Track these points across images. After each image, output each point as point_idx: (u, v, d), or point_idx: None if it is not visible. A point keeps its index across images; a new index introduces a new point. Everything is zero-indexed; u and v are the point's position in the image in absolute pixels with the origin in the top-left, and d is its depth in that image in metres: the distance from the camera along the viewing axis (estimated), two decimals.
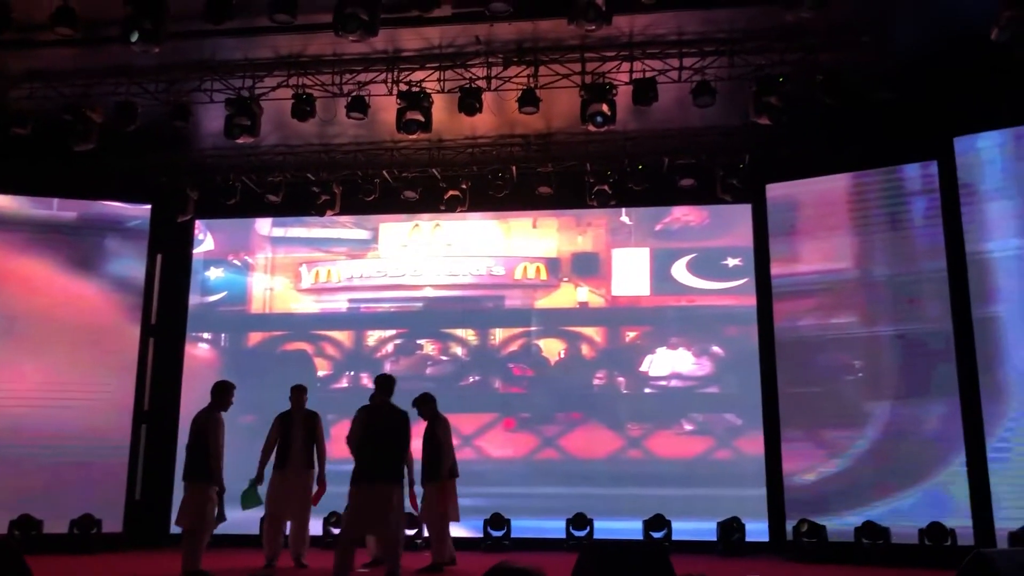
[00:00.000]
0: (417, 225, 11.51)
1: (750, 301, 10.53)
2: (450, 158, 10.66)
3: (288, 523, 8.17)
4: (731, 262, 10.80)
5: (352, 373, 11.20)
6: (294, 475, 8.06)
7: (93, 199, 10.93)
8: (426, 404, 8.02)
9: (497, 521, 10.08)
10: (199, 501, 7.14)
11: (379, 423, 6.86)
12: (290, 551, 8.14)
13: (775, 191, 10.32)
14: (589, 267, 11.15)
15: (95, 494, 10.04)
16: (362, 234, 11.65)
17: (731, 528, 9.68)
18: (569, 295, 11.12)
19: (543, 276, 11.21)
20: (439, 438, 7.85)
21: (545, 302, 11.16)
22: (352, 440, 6.84)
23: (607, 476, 10.38)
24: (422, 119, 8.79)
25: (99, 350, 10.53)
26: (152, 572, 7.61)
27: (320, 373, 11.27)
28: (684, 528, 9.85)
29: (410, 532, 9.83)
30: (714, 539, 9.71)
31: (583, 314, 11.09)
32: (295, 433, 8.16)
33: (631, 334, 10.95)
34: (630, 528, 9.83)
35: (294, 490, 8.04)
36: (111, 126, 9.00)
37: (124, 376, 10.61)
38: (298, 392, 8.40)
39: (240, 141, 9.12)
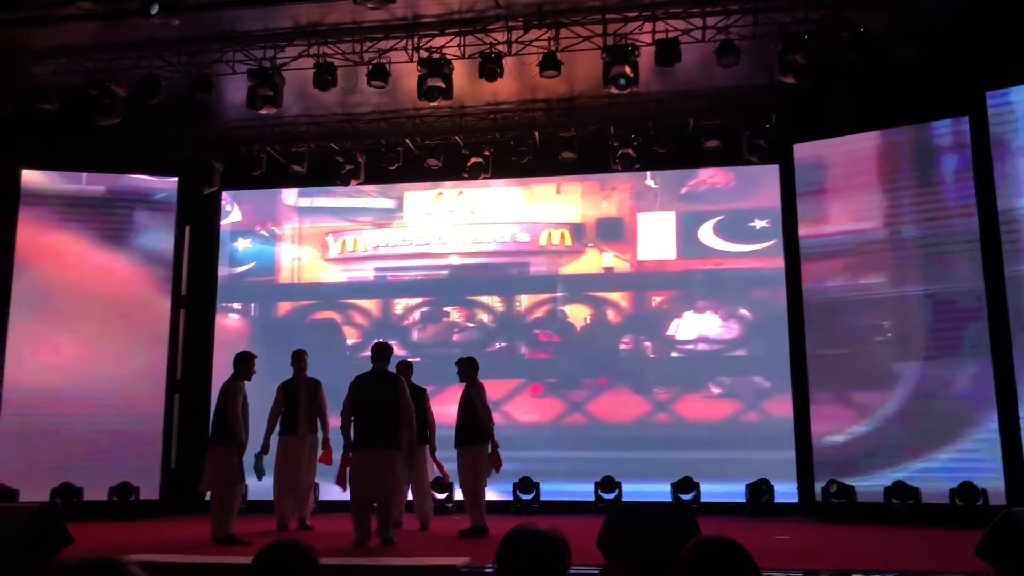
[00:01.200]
0: (441, 193, 11.52)
1: (777, 263, 10.45)
2: (472, 125, 10.63)
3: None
4: (758, 224, 10.70)
5: (380, 341, 11.26)
6: (301, 441, 8.25)
7: (120, 173, 11.04)
8: (464, 367, 8.06)
9: (526, 484, 10.17)
10: (218, 464, 7.32)
11: (372, 390, 7.03)
12: (295, 514, 8.33)
13: (802, 151, 10.19)
14: (614, 232, 11.11)
15: (132, 462, 10.25)
16: (387, 203, 11.68)
17: (760, 490, 9.70)
18: (594, 260, 11.10)
19: (568, 242, 11.19)
20: (475, 403, 7.90)
21: (570, 268, 11.15)
22: (345, 408, 7.03)
23: (635, 440, 10.41)
24: (443, 86, 8.76)
25: (131, 322, 10.69)
26: (187, 537, 7.79)
27: (349, 341, 11.39)
28: (713, 490, 9.88)
29: (440, 496, 9.99)
30: (743, 501, 9.73)
31: (609, 279, 11.07)
32: (300, 398, 8.32)
33: (657, 298, 10.93)
34: (659, 491, 9.87)
35: (301, 456, 8.24)
36: (135, 100, 9.06)
37: (156, 347, 10.78)
38: (299, 357, 8.52)
39: (263, 112, 9.17)
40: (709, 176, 11.00)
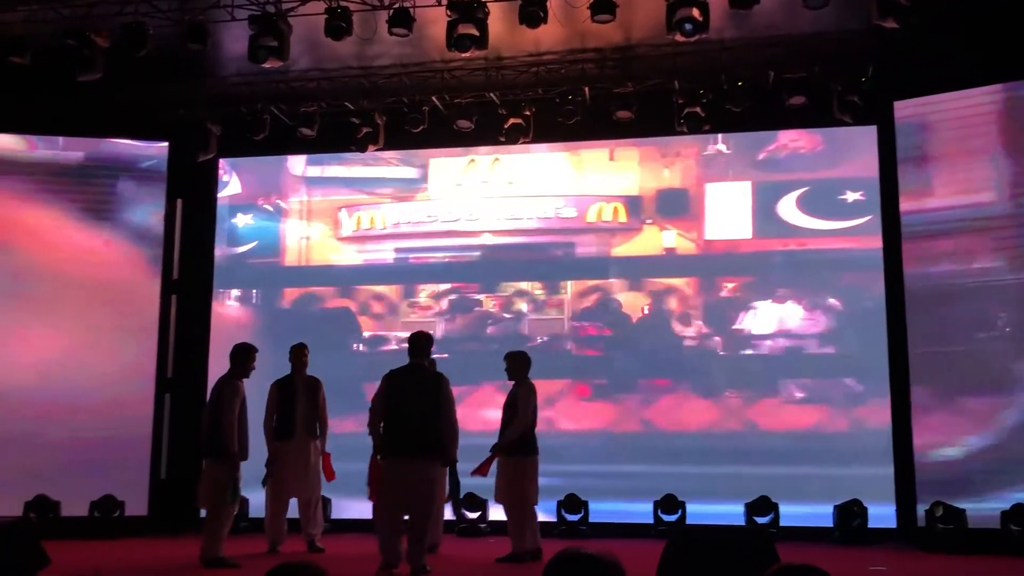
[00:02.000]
0: (473, 160, 11.51)
1: (874, 243, 10.30)
2: (511, 79, 10.59)
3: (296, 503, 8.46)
4: (851, 197, 10.54)
5: (401, 334, 11.33)
6: (299, 446, 8.32)
7: (101, 136, 11.18)
8: (514, 362, 8.07)
9: (573, 503, 10.17)
10: (214, 479, 7.41)
11: (408, 388, 6.96)
12: (301, 533, 8.41)
13: (905, 110, 10.03)
14: (677, 206, 11.02)
15: (116, 473, 10.40)
16: (409, 172, 11.70)
17: (851, 512, 9.61)
18: (653, 240, 11.02)
19: (622, 218, 11.12)
20: (519, 403, 7.90)
21: (624, 249, 11.09)
22: (374, 409, 6.97)
23: (701, 452, 10.35)
24: (477, 33, 8.71)
25: (115, 310, 10.83)
26: (176, 558, 7.91)
27: (365, 334, 11.45)
28: (794, 513, 9.80)
29: (472, 515, 10.03)
30: (830, 525, 9.66)
31: (670, 262, 11.01)
32: (298, 399, 8.40)
33: (728, 285, 10.84)
34: (729, 513, 9.82)
35: (300, 463, 8.30)
36: (119, 52, 9.13)
37: (144, 339, 10.92)
38: (299, 353, 8.59)
39: (267, 66, 9.17)
40: (792, 139, 10.87)
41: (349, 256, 11.69)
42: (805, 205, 10.68)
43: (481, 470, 7.93)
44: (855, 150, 10.56)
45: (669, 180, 11.11)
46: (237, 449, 7.46)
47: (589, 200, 11.23)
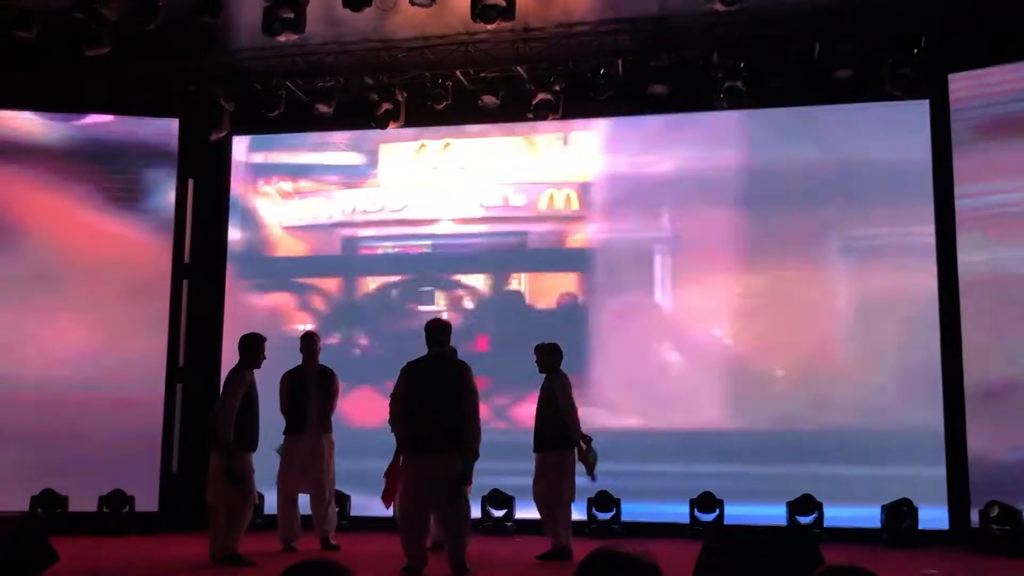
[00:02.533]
0: (424, 145, 11.57)
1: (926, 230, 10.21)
2: (539, 52, 10.55)
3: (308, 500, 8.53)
4: None
5: (345, 330, 11.44)
6: (311, 441, 8.37)
7: (108, 114, 11.24)
8: (545, 354, 8.09)
9: (605, 501, 10.17)
10: (212, 471, 7.49)
11: (428, 379, 6.95)
12: (315, 531, 8.47)
13: (961, 83, 9.93)
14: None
15: (126, 467, 10.50)
16: (357, 158, 11.76)
17: (900, 512, 9.56)
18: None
19: (574, 206, 11.19)
20: (557, 397, 7.93)
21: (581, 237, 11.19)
22: (395, 404, 6.97)
23: (738, 450, 10.31)
24: (503, 4, 8.71)
25: (124, 297, 10.90)
26: (187, 556, 7.99)
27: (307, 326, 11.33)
28: (840, 513, 9.77)
29: (498, 513, 10.06)
30: (878, 526, 9.62)
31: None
32: (310, 391, 8.46)
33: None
34: (770, 514, 9.79)
35: (311, 458, 8.36)
36: (128, 25, 9.18)
37: (154, 327, 11.00)
38: (309, 341, 8.65)
39: (282, 39, 9.21)
40: None
41: (291, 247, 11.72)
42: None
43: (591, 472, 8.02)
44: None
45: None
46: (232, 438, 7.49)
47: (541, 187, 11.29)
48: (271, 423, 8.30)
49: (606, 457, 8.33)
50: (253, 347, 7.81)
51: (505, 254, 11.38)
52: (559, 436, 7.91)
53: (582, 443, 8.00)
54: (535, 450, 8.03)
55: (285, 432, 8.59)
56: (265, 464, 8.30)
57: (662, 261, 10.98)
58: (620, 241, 11.07)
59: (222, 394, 7.79)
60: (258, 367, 7.83)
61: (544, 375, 8.13)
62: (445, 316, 9.68)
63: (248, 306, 11.56)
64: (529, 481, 8.17)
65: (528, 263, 11.33)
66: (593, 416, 9.28)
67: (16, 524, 6.30)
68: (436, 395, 6.93)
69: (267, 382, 8.22)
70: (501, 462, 8.79)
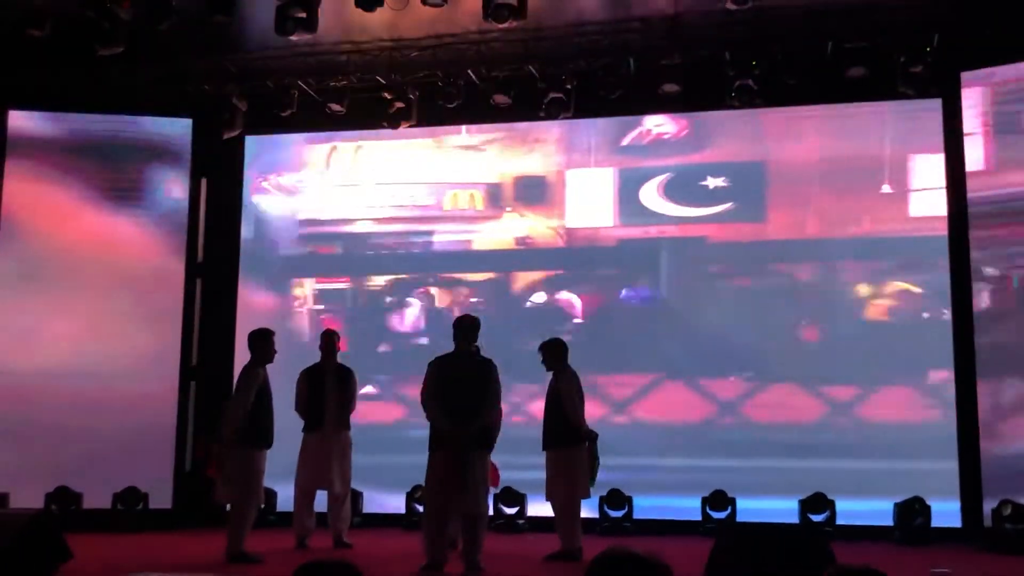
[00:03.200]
0: (336, 148, 11.75)
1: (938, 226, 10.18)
2: (551, 51, 10.54)
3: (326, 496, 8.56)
4: (712, 183, 10.82)
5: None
6: (328, 438, 8.40)
7: (122, 113, 11.28)
8: (550, 352, 8.08)
9: (616, 498, 10.16)
10: (236, 468, 7.49)
11: (454, 375, 6.97)
12: (329, 528, 8.49)
13: (974, 81, 9.90)
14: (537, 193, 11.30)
15: (140, 464, 10.54)
16: None
17: (912, 510, 9.53)
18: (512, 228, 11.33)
19: (479, 205, 11.40)
20: (561, 395, 7.92)
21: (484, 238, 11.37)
22: (425, 399, 6.99)
23: (751, 445, 10.30)
24: (515, 3, 8.70)
25: (137, 295, 10.97)
26: (201, 554, 8.02)
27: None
28: (852, 510, 9.76)
29: (510, 511, 10.07)
30: (890, 524, 9.60)
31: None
32: (328, 387, 8.47)
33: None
34: (782, 509, 9.78)
35: (330, 456, 8.38)
36: (141, 24, 9.21)
37: (168, 325, 11.05)
38: (329, 339, 8.67)
39: (295, 38, 9.23)
40: (656, 125, 11.17)
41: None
42: (668, 192, 10.90)
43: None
44: (721, 135, 10.91)
45: (530, 167, 11.35)
46: (234, 434, 7.49)
47: (447, 187, 11.49)
48: (283, 420, 8.31)
49: (617, 452, 8.32)
50: (262, 342, 7.81)
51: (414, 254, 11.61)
52: (567, 433, 7.89)
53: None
54: (544, 448, 8.03)
55: (303, 429, 8.61)
56: (283, 461, 8.33)
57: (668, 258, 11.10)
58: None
59: (235, 391, 7.80)
60: (270, 361, 7.83)
61: (552, 371, 8.10)
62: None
63: (261, 304, 11.60)
64: (540, 477, 8.16)
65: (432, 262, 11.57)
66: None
67: (31, 521, 6.32)
68: (463, 392, 6.95)
69: (281, 380, 8.24)
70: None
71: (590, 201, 11.20)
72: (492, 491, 7.81)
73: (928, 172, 10.36)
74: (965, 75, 9.95)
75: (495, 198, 11.43)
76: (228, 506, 7.83)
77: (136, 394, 10.68)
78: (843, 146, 10.63)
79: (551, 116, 10.63)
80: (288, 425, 8.45)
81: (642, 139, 11.21)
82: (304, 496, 8.55)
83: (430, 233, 11.57)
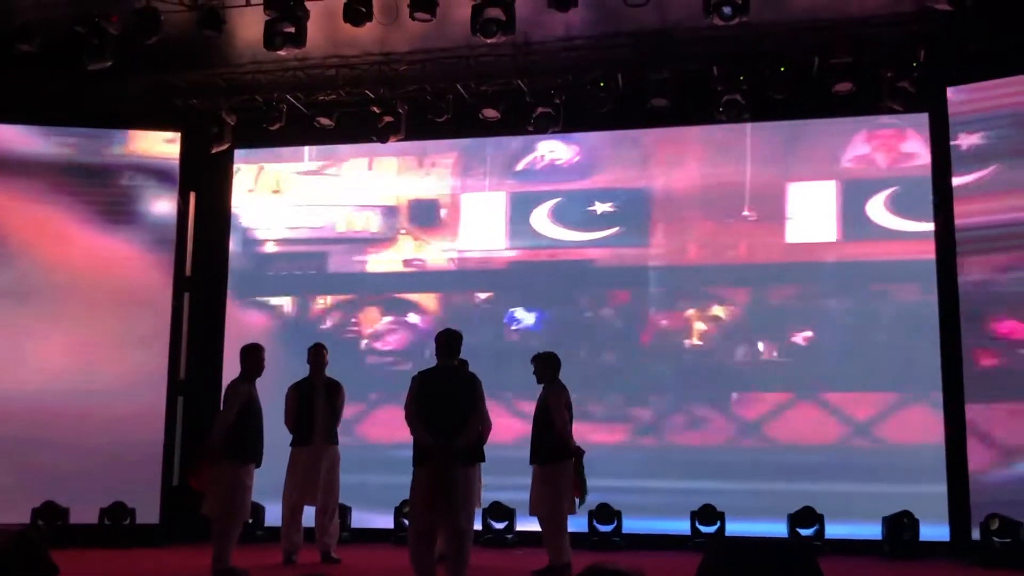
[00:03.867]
0: (239, 169, 11.93)
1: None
2: (540, 66, 10.57)
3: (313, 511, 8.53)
4: (599, 208, 11.07)
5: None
6: (317, 452, 8.38)
7: (111, 127, 11.27)
8: (542, 365, 8.06)
9: (606, 513, 10.15)
10: (222, 483, 7.47)
11: (437, 389, 6.95)
12: (317, 544, 8.47)
13: (960, 97, 9.96)
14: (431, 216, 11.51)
15: (127, 479, 10.49)
16: None
17: (901, 525, 9.53)
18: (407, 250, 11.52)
19: (373, 228, 11.59)
20: (550, 408, 7.90)
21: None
22: (408, 413, 6.96)
23: (741, 467, 10.31)
24: (503, 18, 8.74)
25: (125, 310, 10.93)
26: (188, 568, 7.99)
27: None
28: (841, 527, 9.77)
29: (499, 525, 10.05)
30: (878, 539, 9.59)
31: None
32: (317, 402, 8.46)
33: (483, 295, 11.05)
34: (771, 530, 9.76)
35: (317, 470, 8.36)
36: (130, 39, 9.22)
37: (155, 340, 11.00)
38: (317, 353, 8.66)
39: (283, 53, 9.26)
40: (549, 151, 11.43)
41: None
42: (558, 216, 11.21)
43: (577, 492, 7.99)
44: (610, 160, 11.20)
45: (424, 190, 11.58)
46: (219, 447, 7.48)
47: (345, 210, 11.68)
48: (271, 435, 8.29)
49: (605, 473, 8.31)
50: (252, 357, 7.81)
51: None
52: (555, 448, 7.86)
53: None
54: (531, 462, 8.01)
55: (292, 444, 8.59)
56: (270, 476, 8.30)
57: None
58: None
59: (223, 408, 7.78)
60: (259, 376, 7.83)
61: (542, 384, 8.10)
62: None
63: (249, 318, 11.60)
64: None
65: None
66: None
67: (16, 537, 6.29)
68: (447, 406, 6.91)
69: (271, 394, 8.22)
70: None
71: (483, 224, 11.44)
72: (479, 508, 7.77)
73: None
74: (952, 90, 10.00)
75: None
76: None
77: (124, 409, 10.63)
78: (719, 172, 10.89)
79: (540, 130, 10.66)
80: (276, 440, 8.43)
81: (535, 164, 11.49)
82: (292, 511, 8.52)
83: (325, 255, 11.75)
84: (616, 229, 11.06)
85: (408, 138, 11.05)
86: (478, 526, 9.44)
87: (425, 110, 10.81)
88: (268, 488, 8.62)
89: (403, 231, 11.57)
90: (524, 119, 10.65)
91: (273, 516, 9.07)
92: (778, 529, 9.76)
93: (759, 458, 10.34)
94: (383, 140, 10.95)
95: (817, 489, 9.95)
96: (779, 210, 10.74)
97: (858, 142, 10.67)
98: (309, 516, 8.64)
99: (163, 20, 9.15)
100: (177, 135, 11.37)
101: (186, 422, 11.20)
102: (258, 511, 9.84)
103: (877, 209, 10.45)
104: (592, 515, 10.11)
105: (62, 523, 10.10)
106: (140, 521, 10.32)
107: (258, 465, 7.73)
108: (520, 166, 11.48)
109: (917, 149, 10.47)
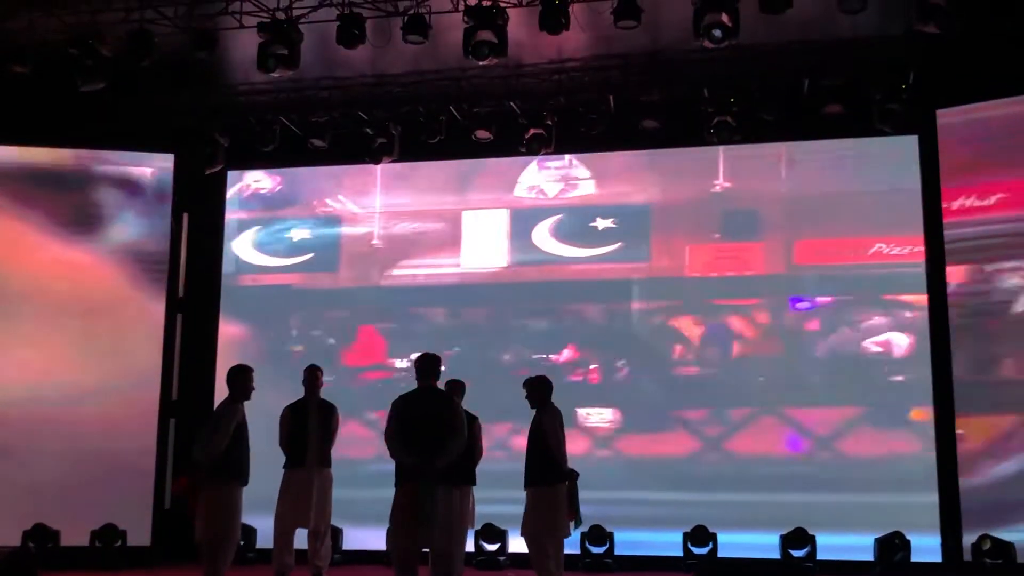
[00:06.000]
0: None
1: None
2: (531, 88, 10.65)
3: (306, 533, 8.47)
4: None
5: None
6: (310, 474, 8.35)
7: (104, 148, 11.30)
8: (535, 389, 8.05)
9: (598, 534, 10.14)
10: (215, 506, 7.43)
11: (416, 412, 6.96)
12: (309, 566, 8.44)
13: (949, 118, 10.05)
14: None
15: (118, 501, 10.47)
16: None
17: (892, 545, 9.55)
18: None
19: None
20: (544, 431, 7.89)
21: None
22: (388, 436, 6.96)
23: (732, 479, 10.33)
24: (495, 40, 8.78)
25: (117, 330, 10.94)
26: None
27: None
28: (833, 544, 9.76)
29: (491, 547, 10.03)
30: (870, 559, 9.61)
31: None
32: (311, 424, 8.44)
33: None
34: (764, 544, 9.74)
35: (310, 492, 8.33)
36: (123, 60, 9.25)
37: (148, 361, 11.01)
38: (312, 375, 8.64)
39: (277, 75, 9.28)
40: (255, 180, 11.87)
41: None
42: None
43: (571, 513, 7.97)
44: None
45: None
46: (208, 464, 7.43)
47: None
48: (263, 456, 8.27)
49: (600, 487, 8.29)
50: (241, 379, 7.77)
51: None
52: (549, 471, 7.85)
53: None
54: (526, 485, 7.97)
55: (284, 466, 8.56)
56: (262, 497, 8.28)
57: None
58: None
59: (214, 424, 7.67)
60: (247, 398, 7.78)
61: (535, 408, 8.09)
62: None
63: (242, 339, 11.60)
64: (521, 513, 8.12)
65: None
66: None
67: (8, 558, 6.29)
68: (427, 427, 6.91)
69: (260, 416, 8.21)
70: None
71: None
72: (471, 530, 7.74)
73: None
74: (942, 112, 10.09)
75: None
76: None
77: (116, 430, 10.63)
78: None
79: (532, 152, 10.71)
80: (269, 461, 8.41)
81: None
82: (283, 533, 8.48)
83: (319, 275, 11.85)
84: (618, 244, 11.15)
85: (401, 159, 11.10)
86: (471, 548, 9.45)
87: (418, 131, 10.85)
88: (260, 510, 8.59)
89: (400, 248, 11.59)
90: (516, 140, 10.70)
91: (265, 538, 9.04)
92: (769, 540, 9.77)
93: (743, 471, 10.38)
94: (376, 161, 11.01)
95: (808, 500, 10.03)
96: None
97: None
98: (301, 538, 8.61)
99: (156, 42, 9.17)
100: (170, 156, 11.39)
101: (178, 444, 11.15)
102: (250, 533, 9.81)
103: None
104: (584, 536, 10.10)
105: (53, 545, 10.08)
106: (131, 543, 10.30)
107: (245, 485, 7.69)
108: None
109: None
